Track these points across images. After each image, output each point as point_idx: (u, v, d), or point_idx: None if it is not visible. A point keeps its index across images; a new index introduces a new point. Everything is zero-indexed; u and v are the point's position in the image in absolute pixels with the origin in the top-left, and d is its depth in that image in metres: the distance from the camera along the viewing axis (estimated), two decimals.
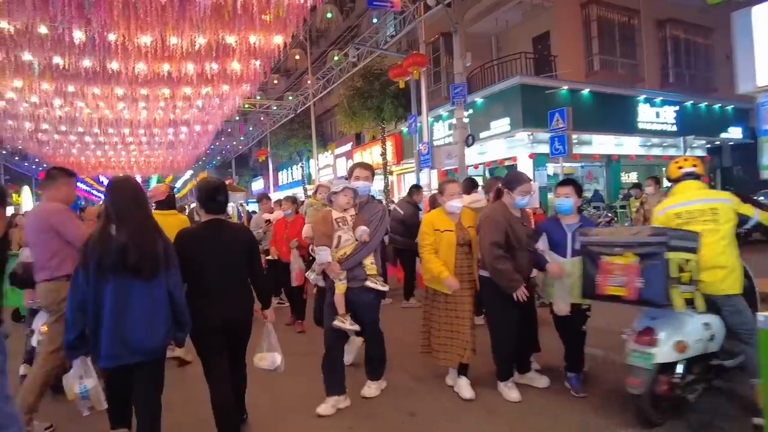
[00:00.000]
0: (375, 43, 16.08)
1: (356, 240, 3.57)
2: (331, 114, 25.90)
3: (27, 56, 11.05)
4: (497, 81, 14.29)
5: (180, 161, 29.24)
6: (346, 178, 3.83)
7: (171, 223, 3.63)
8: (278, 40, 11.33)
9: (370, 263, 3.62)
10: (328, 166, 24.48)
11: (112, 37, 10.08)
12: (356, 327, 3.59)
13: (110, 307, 2.43)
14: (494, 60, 15.60)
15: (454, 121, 14.02)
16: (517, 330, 3.70)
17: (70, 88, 13.17)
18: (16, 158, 28.93)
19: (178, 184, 53.55)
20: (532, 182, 3.80)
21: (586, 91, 13.86)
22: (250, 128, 29.24)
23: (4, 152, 26.94)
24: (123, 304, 2.46)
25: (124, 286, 2.46)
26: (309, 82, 18.40)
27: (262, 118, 25.24)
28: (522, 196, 3.66)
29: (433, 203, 6.39)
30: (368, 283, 3.58)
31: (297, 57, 15.71)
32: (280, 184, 31.23)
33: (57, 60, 11.23)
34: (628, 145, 15.69)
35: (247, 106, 20.51)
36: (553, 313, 3.70)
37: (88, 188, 52.08)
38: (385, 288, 3.65)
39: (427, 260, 3.75)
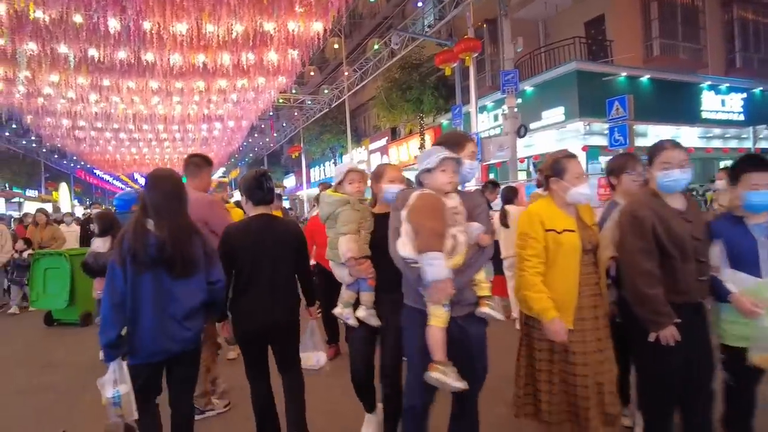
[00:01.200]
0: (414, 31, 15.40)
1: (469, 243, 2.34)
2: (364, 109, 25.31)
3: (63, 48, 10.75)
4: (547, 69, 13.36)
5: (213, 158, 28.93)
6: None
7: (233, 215, 3.90)
8: (318, 27, 10.76)
9: (482, 278, 2.43)
10: (362, 162, 23.84)
11: (147, 25, 9.67)
12: (463, 385, 2.18)
13: (150, 301, 2.36)
14: (544, 46, 14.65)
15: (500, 111, 13.21)
16: (677, 384, 2.43)
17: (106, 82, 12.89)
18: (55, 156, 29.36)
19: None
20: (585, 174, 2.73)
21: (645, 78, 12.80)
22: (283, 124, 28.91)
23: (44, 150, 27.35)
24: (162, 297, 2.39)
25: (161, 280, 2.38)
26: (346, 74, 17.77)
27: (295, 113, 24.81)
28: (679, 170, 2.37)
29: (508, 199, 5.62)
30: (484, 310, 2.35)
31: (336, 46, 15.08)
32: (312, 180, 30.84)
33: (92, 52, 10.91)
34: (687, 137, 14.49)
35: (281, 101, 20.07)
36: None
37: (123, 186, 53.14)
38: (502, 317, 2.45)
39: (529, 285, 2.49)
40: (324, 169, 28.98)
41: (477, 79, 14.90)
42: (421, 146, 16.83)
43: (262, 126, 25.85)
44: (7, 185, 26.63)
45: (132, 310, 2.36)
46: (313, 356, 3.11)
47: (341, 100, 20.30)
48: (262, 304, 2.77)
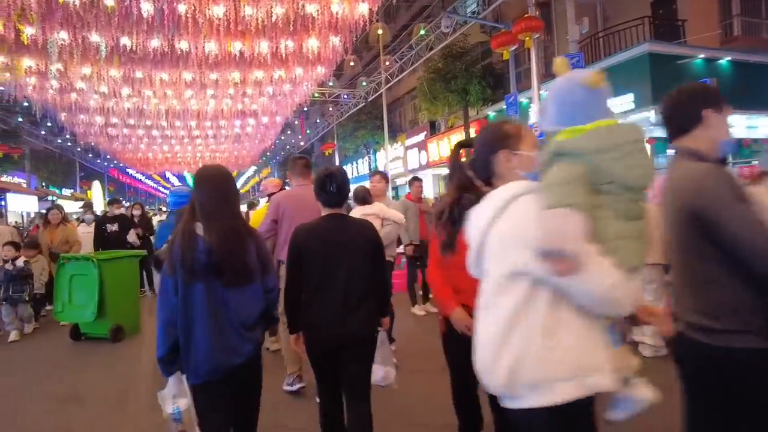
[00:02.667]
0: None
1: None
2: (400, 103, 24.37)
3: (94, 37, 10.14)
4: (607, 55, 12.14)
5: (245, 156, 28.82)
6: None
7: None
8: (364, 8, 9.88)
9: None
10: (397, 158, 22.96)
11: (182, 8, 8.94)
12: None
13: (203, 313, 2.13)
14: (606, 29, 13.40)
15: None
16: None
17: (138, 74, 12.27)
18: (90, 155, 29.38)
19: (241, 181, 54.07)
20: None
21: (724, 61, 11.48)
22: (317, 120, 28.20)
23: (78, 149, 27.36)
24: (217, 309, 2.16)
25: (215, 289, 2.16)
26: (386, 63, 16.84)
27: (330, 109, 24.03)
28: None
29: None
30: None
31: (380, 31, 14.16)
32: None
33: (124, 41, 10.26)
34: (765, 127, 13.06)
35: (316, 95, 19.30)
36: None
37: (155, 185, 53.63)
38: None
39: None
40: (357, 167, 28.19)
41: (525, 69, 13.83)
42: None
43: (296, 122, 25.19)
44: (44, 184, 26.71)
45: (184, 324, 2.13)
46: (380, 370, 2.74)
47: (379, 93, 19.39)
48: (334, 314, 2.48)
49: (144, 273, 8.37)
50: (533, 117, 10.78)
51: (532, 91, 10.50)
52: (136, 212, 9.03)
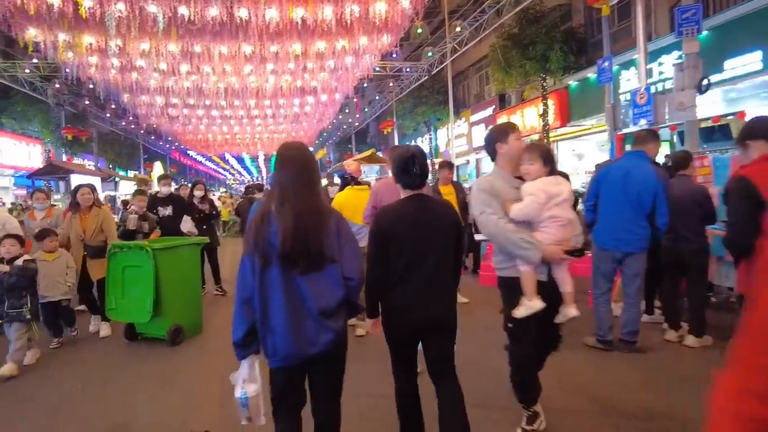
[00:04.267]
0: None
1: None
2: (464, 76, 22.92)
3: (152, 8, 9.56)
4: (734, 4, 10.31)
5: (302, 137, 28.42)
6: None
7: (365, 198, 4.47)
8: None
9: None
10: (461, 135, 21.63)
11: None
12: None
13: (280, 299, 2.05)
14: None
15: (657, 63, 10.51)
16: None
17: (197, 48, 11.67)
18: (152, 137, 29.90)
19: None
20: None
21: None
22: (376, 96, 27.22)
23: (141, 131, 27.84)
24: (293, 294, 2.06)
25: (291, 274, 2.06)
26: (458, 28, 15.50)
27: (390, 84, 22.95)
28: None
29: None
30: None
31: None
32: None
33: (182, 10, 9.62)
34: None
35: (377, 69, 18.27)
36: None
37: (214, 166, 54.77)
38: None
39: None
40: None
41: (616, 31, 12.18)
42: (544, 113, 14.32)
43: (354, 99, 24.35)
44: (110, 166, 27.42)
45: (261, 309, 2.07)
46: None
47: (444, 64, 18.09)
48: (418, 297, 2.42)
49: (207, 265, 7.22)
50: (641, 80, 9.27)
51: (637, 51, 8.94)
52: (198, 193, 7.40)
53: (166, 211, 6.64)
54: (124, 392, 3.75)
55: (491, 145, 2.85)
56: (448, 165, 6.24)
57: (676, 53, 10.47)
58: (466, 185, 18.33)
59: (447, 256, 2.50)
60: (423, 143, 25.99)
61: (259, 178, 58.67)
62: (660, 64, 11.17)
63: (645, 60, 8.83)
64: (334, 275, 2.12)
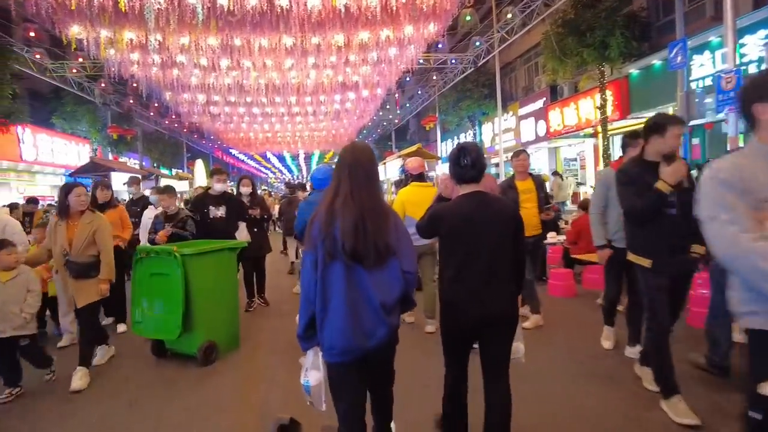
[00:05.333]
0: None
1: None
2: (511, 68, 21.90)
3: None
4: None
5: (342, 135, 28.05)
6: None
7: (429, 195, 4.31)
8: None
9: None
10: (509, 130, 20.64)
11: None
12: None
13: (341, 293, 2.10)
14: None
15: (754, 42, 9.37)
16: None
17: (236, 41, 11.31)
18: (195, 136, 30.22)
19: (336, 160, 53.97)
20: None
21: None
22: (418, 91, 26.50)
23: (184, 130, 28.14)
24: (354, 289, 2.11)
25: (353, 268, 2.11)
26: (509, 15, 14.60)
27: (434, 77, 22.19)
28: None
29: None
30: None
31: None
32: (442, 155, 28.15)
33: (222, 0, 9.24)
34: None
35: (421, 61, 17.58)
36: None
37: (257, 165, 55.34)
38: None
39: None
40: (458, 142, 26.12)
41: (689, 10, 11.04)
42: (602, 105, 13.26)
43: (396, 95, 23.75)
44: (155, 164, 27.86)
45: (322, 303, 2.12)
46: (513, 346, 2.61)
47: (492, 54, 17.20)
48: (476, 292, 2.44)
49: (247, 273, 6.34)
50: (729, 61, 8.20)
51: (724, 28, 7.86)
52: (245, 189, 6.49)
53: (219, 211, 5.60)
54: (149, 424, 3.23)
55: (747, 106, 1.83)
56: (516, 153, 5.18)
57: (762, 32, 9.32)
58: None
59: (504, 253, 2.49)
60: (467, 139, 25.09)
61: (300, 177, 58.95)
62: (741, 45, 9.99)
63: (734, 37, 7.74)
64: (395, 269, 2.16)
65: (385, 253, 2.13)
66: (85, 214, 4.00)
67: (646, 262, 3.11)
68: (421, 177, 5.14)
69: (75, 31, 10.43)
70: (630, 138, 3.99)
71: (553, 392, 3.47)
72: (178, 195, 6.37)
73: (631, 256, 3.24)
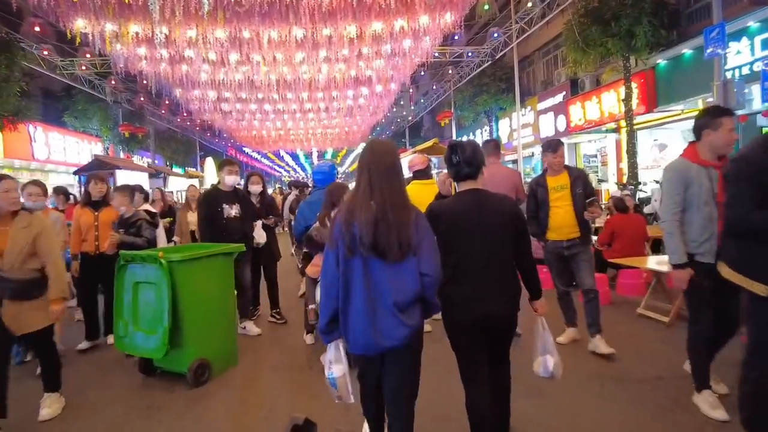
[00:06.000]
0: None
1: None
2: (529, 62, 21.20)
3: None
4: None
5: (355, 133, 27.65)
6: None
7: (431, 192, 4.50)
8: None
9: None
10: (527, 125, 19.98)
11: None
12: None
13: (359, 289, 2.15)
14: None
15: None
16: None
17: (245, 34, 10.90)
18: (208, 134, 30.01)
19: (349, 160, 53.61)
20: None
21: None
22: (433, 87, 25.94)
23: (197, 129, 27.94)
24: (372, 285, 2.15)
25: (371, 265, 2.15)
26: (529, 3, 13.95)
27: (450, 71, 21.60)
28: None
29: None
30: None
31: None
32: None
33: None
34: None
35: (436, 54, 17.01)
36: None
37: (270, 163, 55.18)
38: None
39: None
40: (475, 138, 25.51)
41: None
42: (626, 98, 12.59)
43: (410, 90, 23.23)
44: (168, 163, 27.71)
45: (343, 298, 2.17)
46: (541, 361, 2.56)
47: (510, 47, 16.58)
48: (474, 293, 2.40)
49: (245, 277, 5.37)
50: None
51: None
52: (254, 188, 5.80)
53: (233, 210, 4.94)
54: None
55: None
56: (553, 146, 4.37)
57: None
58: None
59: (503, 251, 2.46)
60: (483, 135, 24.48)
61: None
62: None
63: None
64: (412, 269, 2.14)
65: (405, 247, 2.11)
66: (19, 215, 3.21)
67: (763, 290, 2.35)
68: (423, 173, 5.02)
69: (80, 25, 10.11)
70: (710, 116, 2.98)
71: (580, 417, 2.98)
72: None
73: (738, 278, 2.47)
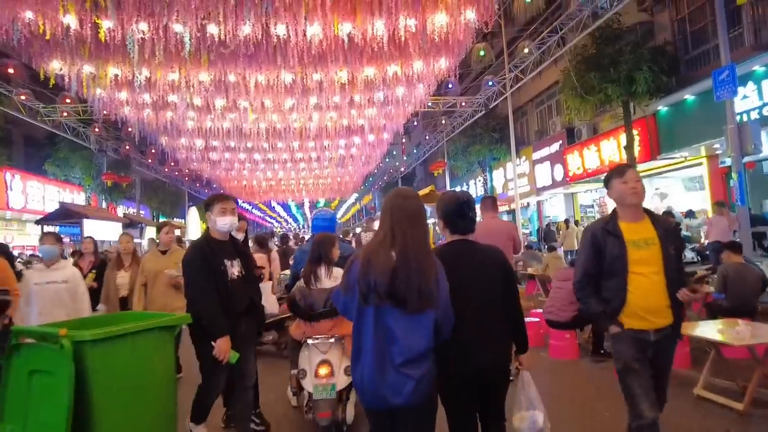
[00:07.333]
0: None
1: None
2: (522, 112, 21.09)
3: (177, 27, 8.34)
4: None
5: (347, 183, 27.21)
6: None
7: None
8: None
9: None
10: (522, 175, 19.53)
11: None
12: None
13: (370, 339, 2.07)
14: None
15: None
16: None
17: (231, 77, 10.41)
18: (197, 184, 29.38)
19: (342, 209, 53.10)
20: None
21: None
22: (426, 137, 25.73)
23: (186, 179, 27.33)
24: (382, 336, 2.07)
25: (383, 314, 2.09)
26: (525, 50, 13.70)
27: (443, 121, 21.38)
28: None
29: None
30: None
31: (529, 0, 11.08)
32: None
33: (211, 29, 8.35)
34: None
35: (430, 104, 16.75)
36: None
37: (261, 214, 54.49)
38: None
39: None
40: (469, 189, 25.05)
41: (732, 36, 10.06)
42: (628, 145, 12.14)
43: (403, 140, 22.92)
44: (154, 213, 26.86)
45: (356, 349, 2.12)
46: (528, 416, 2.46)
47: (504, 96, 16.34)
48: (469, 345, 2.33)
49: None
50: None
51: None
52: (237, 236, 4.16)
53: (235, 269, 3.47)
54: None
55: None
56: (628, 171, 2.82)
57: None
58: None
59: (495, 301, 2.42)
60: (476, 185, 24.06)
61: (305, 226, 57.90)
62: None
63: None
64: (428, 324, 2.10)
65: (426, 296, 2.06)
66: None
67: None
68: None
69: (55, 66, 9.56)
70: None
71: None
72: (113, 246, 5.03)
73: None
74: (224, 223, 3.40)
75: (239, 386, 3.42)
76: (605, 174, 2.87)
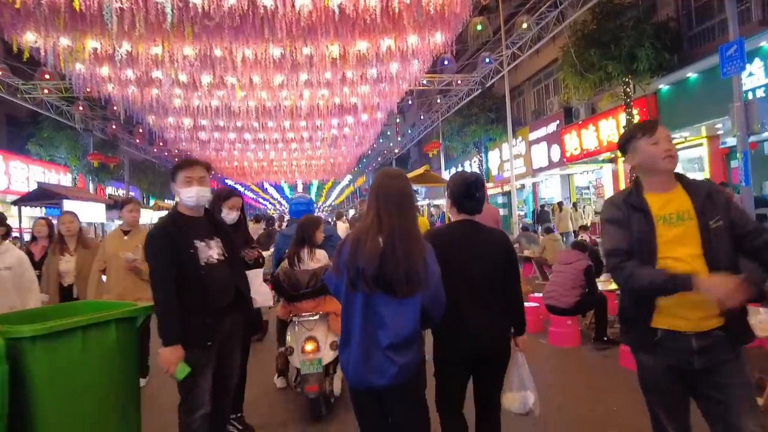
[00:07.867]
0: None
1: None
2: (519, 92, 20.65)
3: None
4: None
5: (341, 164, 26.78)
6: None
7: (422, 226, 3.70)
8: None
9: None
10: (518, 156, 19.19)
11: None
12: None
13: (358, 324, 2.07)
14: None
15: None
16: None
17: (217, 52, 9.94)
18: None
19: (336, 191, 52.64)
20: None
21: None
22: (421, 117, 25.27)
23: (176, 159, 26.80)
24: (370, 320, 2.06)
25: (371, 299, 2.07)
26: (524, 25, 13.24)
27: (438, 101, 20.91)
28: None
29: None
30: None
31: None
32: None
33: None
34: None
35: (425, 82, 16.31)
36: None
37: (254, 196, 53.99)
38: None
39: None
40: (464, 170, 24.67)
41: (738, 11, 9.67)
42: (628, 125, 11.79)
43: (397, 120, 22.46)
44: (144, 195, 26.38)
45: (345, 331, 2.12)
46: (519, 397, 2.47)
47: (501, 74, 15.92)
48: (465, 325, 2.35)
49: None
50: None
51: None
52: (230, 216, 3.52)
53: (212, 251, 2.78)
54: None
55: None
56: (657, 129, 2.12)
57: None
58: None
59: (496, 282, 2.43)
60: (471, 166, 23.70)
61: None
62: None
63: None
64: (415, 306, 2.08)
65: (415, 281, 2.04)
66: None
67: None
68: None
69: (29, 38, 9.05)
70: None
71: None
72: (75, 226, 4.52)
73: None
74: (189, 195, 2.71)
75: (219, 386, 2.76)
76: (622, 136, 2.23)
